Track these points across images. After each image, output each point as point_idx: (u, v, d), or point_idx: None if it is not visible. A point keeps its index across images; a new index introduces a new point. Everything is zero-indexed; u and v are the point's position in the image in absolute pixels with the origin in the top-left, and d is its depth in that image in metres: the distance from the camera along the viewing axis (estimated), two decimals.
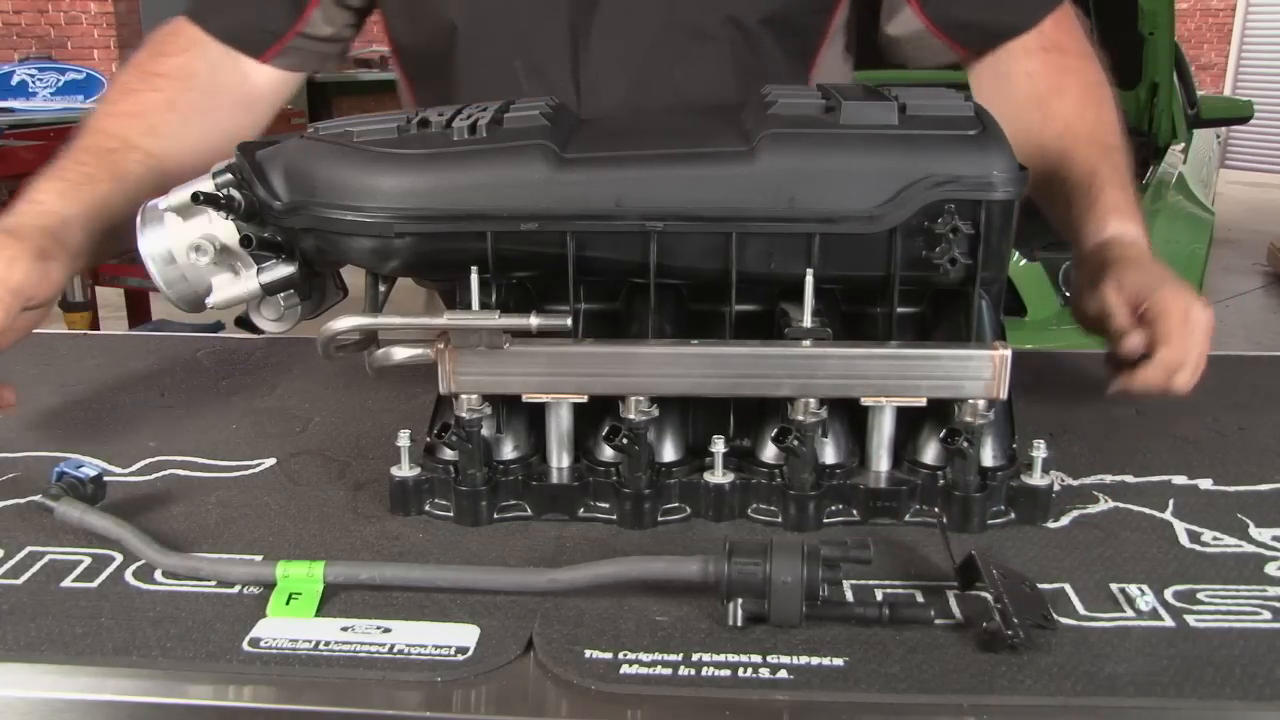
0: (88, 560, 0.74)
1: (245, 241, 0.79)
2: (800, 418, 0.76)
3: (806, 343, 0.76)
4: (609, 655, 0.63)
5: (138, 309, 3.73)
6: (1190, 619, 0.67)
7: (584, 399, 0.78)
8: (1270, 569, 0.73)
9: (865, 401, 0.78)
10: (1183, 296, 0.86)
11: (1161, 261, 0.93)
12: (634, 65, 1.05)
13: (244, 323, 0.85)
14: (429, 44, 1.10)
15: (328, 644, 0.65)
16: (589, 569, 0.69)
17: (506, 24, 1.06)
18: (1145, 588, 0.71)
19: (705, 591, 0.68)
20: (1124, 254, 0.93)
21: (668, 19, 1.04)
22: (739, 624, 0.65)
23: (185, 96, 1.05)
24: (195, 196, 0.79)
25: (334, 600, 0.69)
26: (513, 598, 0.69)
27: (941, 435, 0.78)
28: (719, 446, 0.78)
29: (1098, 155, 1.01)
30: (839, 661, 0.63)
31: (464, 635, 0.65)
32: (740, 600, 0.66)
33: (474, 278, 0.75)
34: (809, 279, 0.75)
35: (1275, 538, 0.78)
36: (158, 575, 0.72)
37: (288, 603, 0.68)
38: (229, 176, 0.79)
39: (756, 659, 0.63)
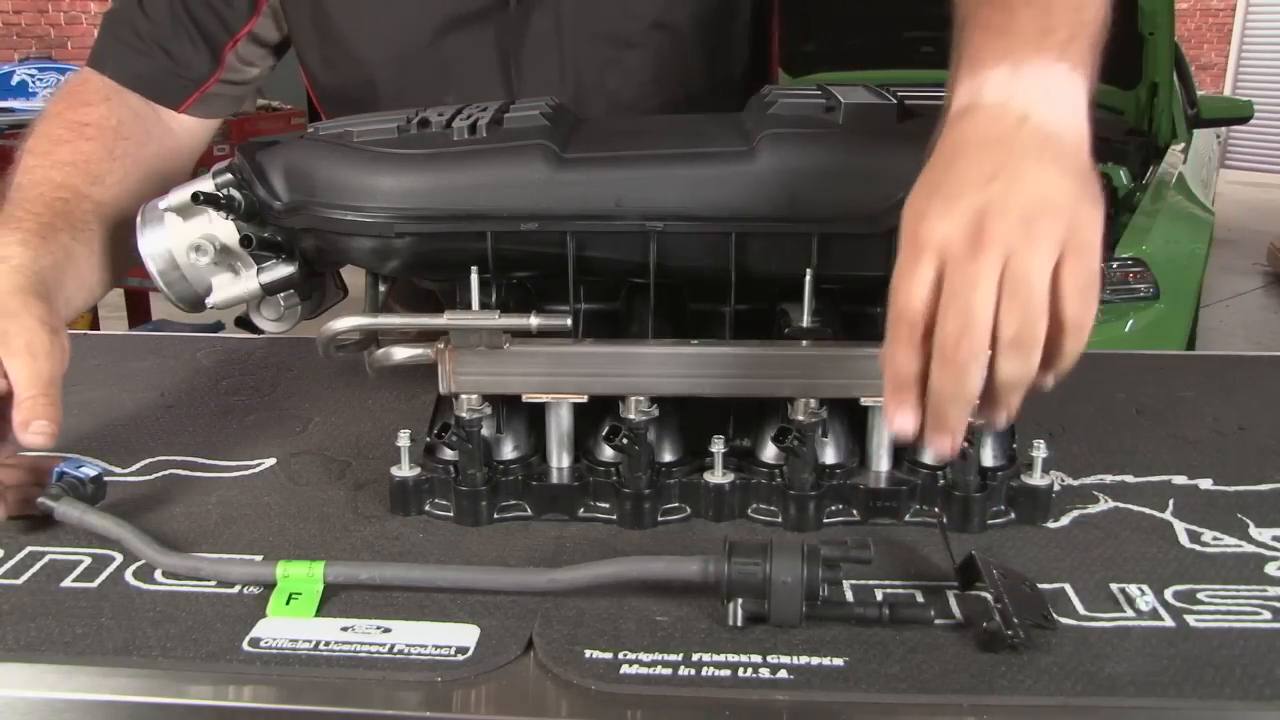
0: (88, 560, 0.74)
1: (245, 241, 0.79)
2: (800, 418, 0.76)
3: (806, 343, 0.76)
4: (609, 655, 0.63)
5: (138, 309, 3.74)
6: (1190, 619, 0.67)
7: (584, 399, 0.78)
8: (1270, 569, 0.73)
9: (865, 401, 0.78)
10: (988, 231, 0.56)
11: (1037, 129, 0.59)
12: (567, 81, 1.05)
13: (244, 323, 0.86)
14: (348, 86, 1.08)
15: (328, 644, 0.65)
16: (589, 569, 0.69)
17: (433, 61, 1.05)
18: (1145, 588, 0.71)
19: (705, 591, 0.68)
20: (944, 142, 0.61)
21: (593, 32, 1.04)
22: (739, 624, 0.65)
23: (120, 145, 0.99)
24: (195, 196, 0.79)
25: (334, 600, 0.69)
26: (513, 597, 0.69)
27: None
28: (719, 446, 0.78)
29: None
30: (839, 661, 0.63)
31: (464, 635, 0.65)
32: (740, 600, 0.66)
33: (474, 278, 0.75)
34: (809, 279, 0.75)
35: (1275, 538, 0.78)
36: (158, 575, 0.72)
37: (288, 603, 0.68)
38: (229, 176, 0.80)
39: (756, 659, 0.63)
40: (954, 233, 0.57)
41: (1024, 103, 0.60)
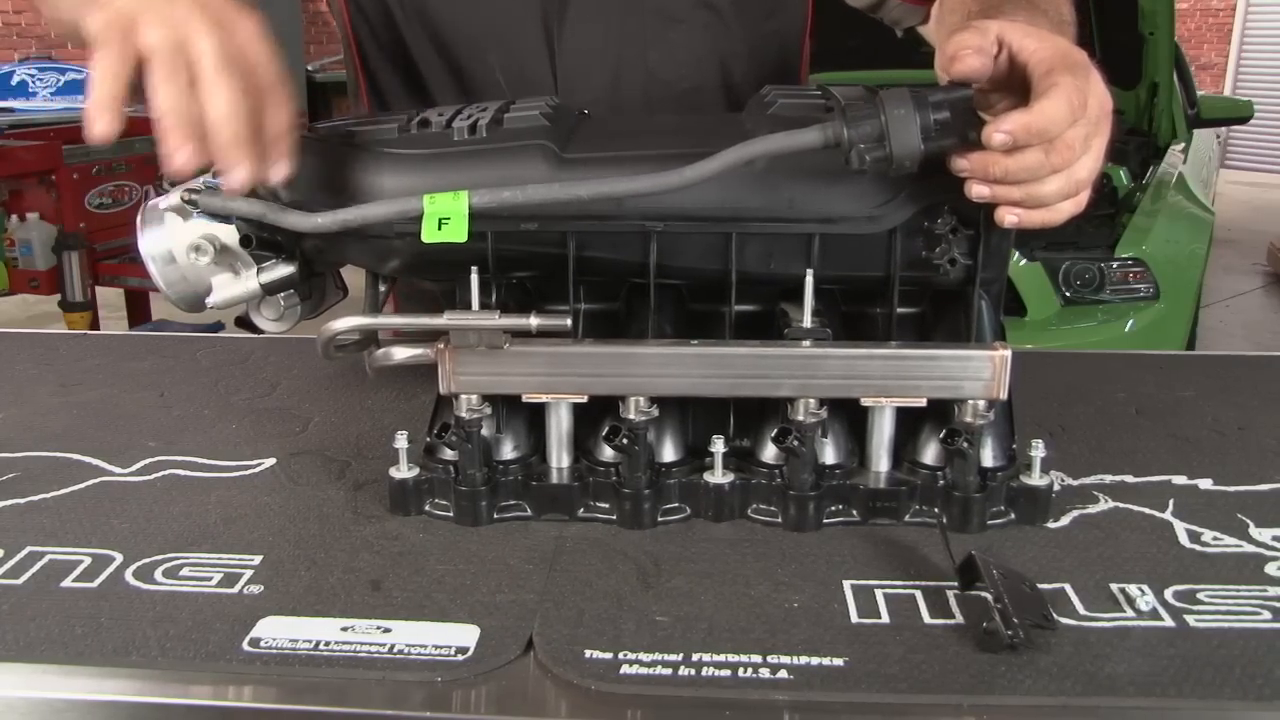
0: (88, 560, 0.74)
1: (245, 241, 0.79)
2: (800, 418, 0.76)
3: (806, 343, 0.76)
4: (609, 655, 0.63)
5: (138, 309, 3.73)
6: (1190, 619, 0.67)
7: (584, 399, 0.78)
8: (1270, 569, 0.73)
9: (865, 402, 0.78)
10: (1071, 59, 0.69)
11: None
12: (609, 54, 1.06)
13: (244, 323, 0.85)
14: (376, 29, 1.09)
15: (328, 644, 0.65)
16: (715, 160, 0.69)
17: (478, 23, 1.06)
18: (1145, 588, 0.71)
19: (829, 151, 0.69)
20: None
21: (638, 5, 1.06)
22: (865, 167, 0.68)
23: None
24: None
25: (334, 600, 0.69)
26: (513, 598, 0.69)
27: (941, 435, 0.78)
28: (719, 446, 0.78)
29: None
30: (839, 661, 0.63)
31: (464, 635, 0.65)
32: (862, 146, 0.68)
33: (474, 278, 0.75)
34: (809, 279, 0.75)
35: (1275, 538, 0.78)
36: (158, 575, 0.72)
37: (439, 228, 0.70)
38: None
39: (756, 659, 0.63)
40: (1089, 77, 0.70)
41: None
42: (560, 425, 0.80)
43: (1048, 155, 0.68)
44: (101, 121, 0.66)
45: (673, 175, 0.70)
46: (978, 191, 0.70)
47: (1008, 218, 0.71)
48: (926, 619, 0.67)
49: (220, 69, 0.66)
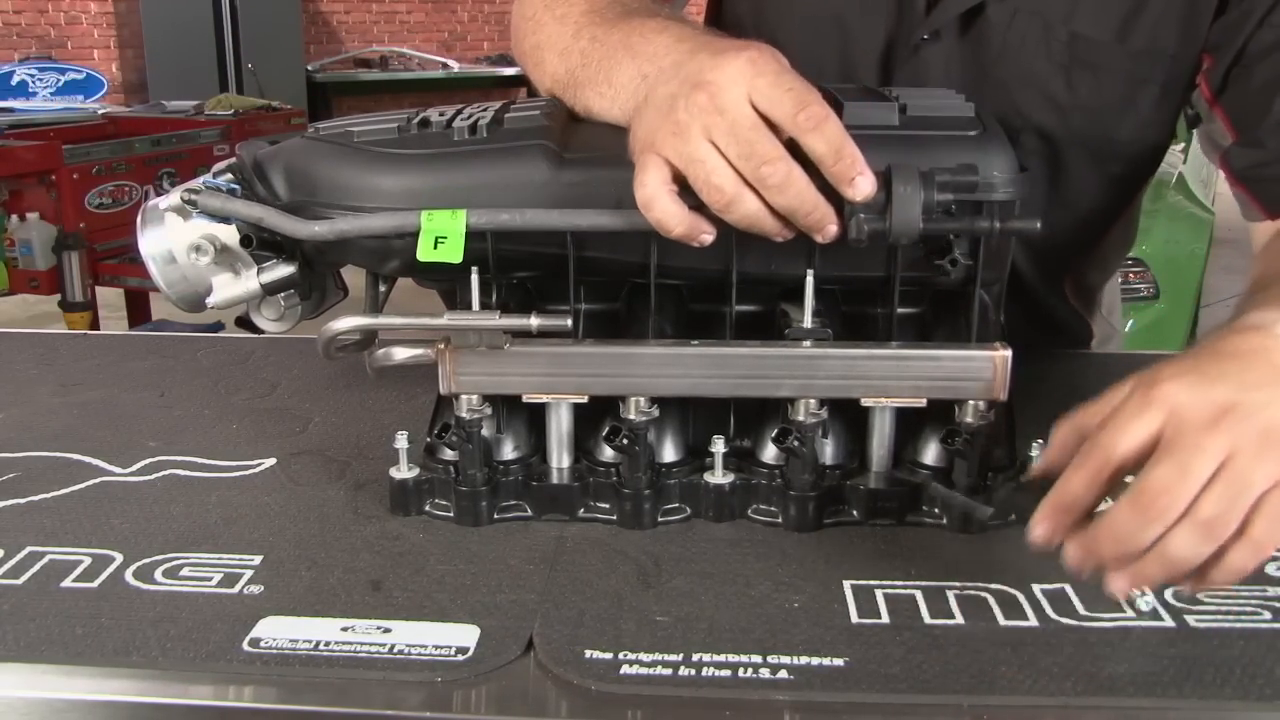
0: (88, 560, 0.74)
1: (245, 241, 0.79)
2: (800, 418, 0.76)
3: (807, 343, 0.76)
4: (609, 655, 0.63)
5: (138, 309, 3.73)
6: (1190, 619, 0.67)
7: (584, 399, 0.78)
8: (1270, 569, 0.73)
9: (865, 402, 0.78)
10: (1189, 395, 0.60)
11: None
12: None
13: (244, 323, 0.86)
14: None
15: (328, 644, 0.65)
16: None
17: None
18: (1145, 588, 0.70)
19: None
20: (1222, 342, 0.66)
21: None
22: (862, 236, 0.67)
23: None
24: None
25: (334, 600, 0.69)
26: (513, 598, 0.69)
27: (942, 436, 0.77)
28: (719, 447, 0.78)
29: None
30: (839, 661, 0.63)
31: (464, 635, 0.65)
32: (862, 215, 0.67)
33: (474, 278, 0.75)
34: (809, 279, 0.75)
35: None
36: (158, 575, 0.72)
37: (435, 247, 0.70)
38: (229, 176, 0.80)
39: (756, 659, 0.63)
40: (1196, 405, 0.60)
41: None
42: (560, 425, 0.80)
43: (1137, 511, 0.59)
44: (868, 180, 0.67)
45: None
46: (1113, 585, 0.61)
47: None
48: (927, 619, 0.67)
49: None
